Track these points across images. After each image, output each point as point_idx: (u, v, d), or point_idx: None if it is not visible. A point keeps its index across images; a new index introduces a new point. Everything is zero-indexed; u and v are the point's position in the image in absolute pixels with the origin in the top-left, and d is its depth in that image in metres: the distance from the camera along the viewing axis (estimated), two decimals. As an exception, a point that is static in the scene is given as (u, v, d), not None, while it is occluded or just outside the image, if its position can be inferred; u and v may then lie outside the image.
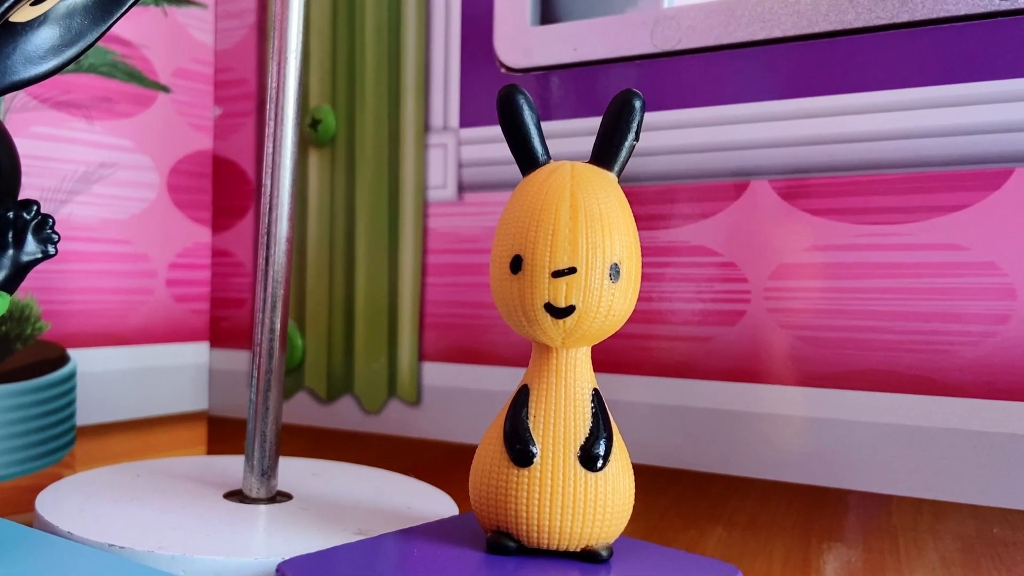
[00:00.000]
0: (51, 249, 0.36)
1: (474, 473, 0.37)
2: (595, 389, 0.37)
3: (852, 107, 0.49)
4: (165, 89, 0.67)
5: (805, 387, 0.49)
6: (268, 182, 0.46)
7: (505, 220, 0.36)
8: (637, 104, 0.36)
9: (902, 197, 0.47)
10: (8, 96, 0.58)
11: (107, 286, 0.64)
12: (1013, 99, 0.45)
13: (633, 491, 0.37)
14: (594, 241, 0.34)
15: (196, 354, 0.70)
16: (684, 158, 0.53)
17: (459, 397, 0.60)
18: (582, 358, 0.37)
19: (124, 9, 0.35)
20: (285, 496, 0.47)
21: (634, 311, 0.37)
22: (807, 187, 0.50)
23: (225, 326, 0.71)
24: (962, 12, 0.46)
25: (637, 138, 0.36)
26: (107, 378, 0.64)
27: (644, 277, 0.37)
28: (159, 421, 0.68)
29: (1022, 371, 0.45)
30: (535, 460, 0.35)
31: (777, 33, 0.51)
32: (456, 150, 0.61)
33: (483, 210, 0.59)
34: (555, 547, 0.36)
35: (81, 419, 0.62)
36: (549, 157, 0.37)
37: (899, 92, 0.48)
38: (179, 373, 0.69)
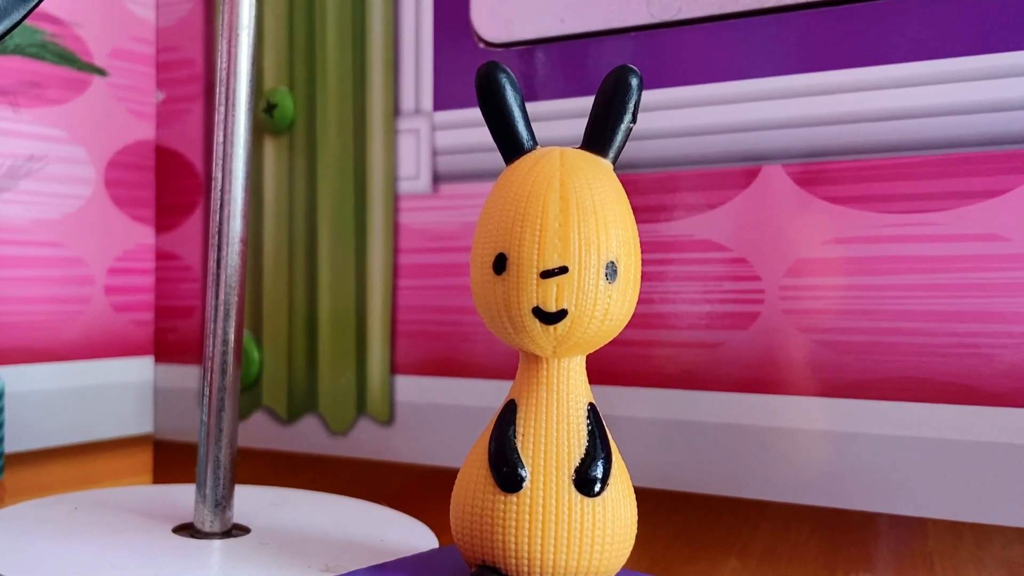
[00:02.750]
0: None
1: (455, 500, 0.37)
2: (591, 403, 0.36)
3: (875, 81, 0.49)
4: (101, 72, 0.67)
5: (827, 398, 0.49)
6: (219, 175, 0.46)
7: (487, 214, 0.36)
8: (634, 82, 0.36)
9: (933, 182, 0.47)
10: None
11: (38, 295, 0.64)
12: (1055, 71, 0.46)
13: (635, 518, 0.37)
14: (587, 237, 0.34)
15: (139, 370, 0.70)
16: (687, 141, 0.53)
17: (437, 415, 0.60)
18: (576, 369, 0.36)
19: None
20: (242, 530, 0.47)
21: (633, 315, 0.36)
22: (826, 172, 0.50)
23: (172, 338, 0.71)
24: (997, -26, 0.46)
25: (634, 120, 0.36)
26: (39, 399, 0.63)
27: (644, 276, 0.37)
28: (98, 447, 0.67)
29: (1069, 376, 0.45)
30: (524, 485, 0.35)
31: (790, 0, 0.51)
32: (430, 136, 0.60)
33: (461, 203, 0.59)
34: (548, 583, 0.36)
35: (10, 445, 0.62)
36: (535, 143, 0.37)
37: (928, 64, 0.48)
38: (120, 392, 0.69)
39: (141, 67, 0.70)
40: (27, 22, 0.61)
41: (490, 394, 0.58)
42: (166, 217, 0.71)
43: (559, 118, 0.56)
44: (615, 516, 0.36)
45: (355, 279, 0.63)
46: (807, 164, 0.50)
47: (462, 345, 0.59)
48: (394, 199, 0.62)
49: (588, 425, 0.36)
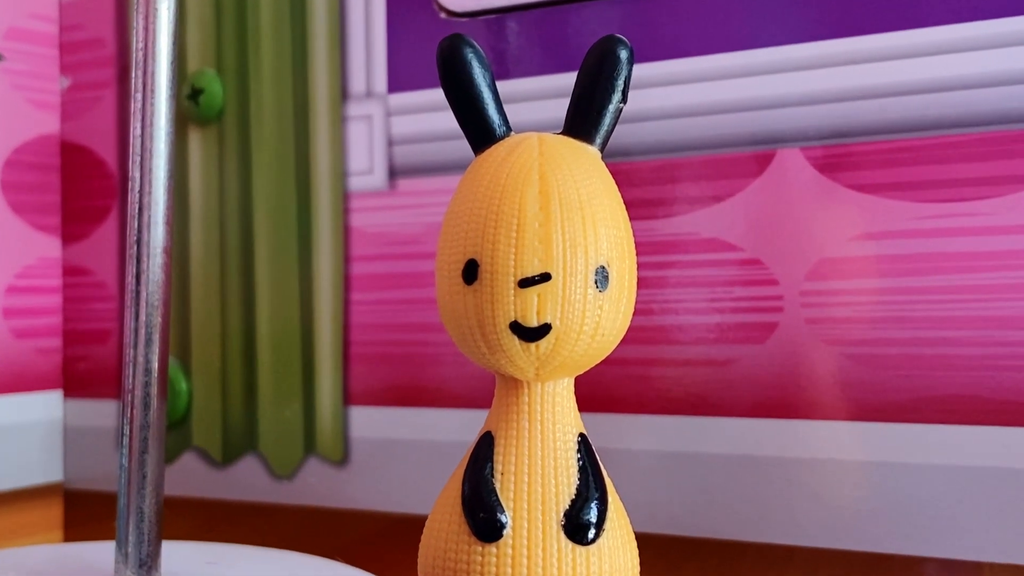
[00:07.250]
0: None
1: (424, 553, 0.37)
2: (581, 434, 0.36)
3: (909, 48, 0.49)
4: (-7, 54, 0.67)
5: (860, 422, 0.49)
6: (136, 174, 0.46)
7: (454, 214, 0.36)
8: (623, 54, 0.36)
9: (980, 165, 0.48)
10: None
11: (-77, 321, 0.63)
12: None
13: (637, 569, 0.37)
14: (573, 238, 0.34)
15: (46, 407, 0.70)
16: (688, 123, 0.53)
17: (399, 452, 0.60)
18: (562, 394, 0.36)
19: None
20: (171, 594, 0.47)
21: (629, 329, 0.36)
22: (852, 156, 0.50)
23: (83, 368, 0.70)
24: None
25: (624, 99, 0.36)
26: (-74, 444, 0.63)
27: (641, 283, 0.37)
28: (-1, 499, 0.67)
29: None
30: (505, 532, 0.35)
31: (805, -46, 0.51)
32: (384, 123, 0.60)
33: (423, 201, 0.59)
34: (536, 649, 0.36)
35: None
36: (509, 128, 0.37)
37: (972, 26, 0.48)
38: (23, 434, 0.68)
39: (42, 49, 0.70)
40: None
41: (462, 426, 0.58)
42: (74, 225, 0.71)
43: (536, 99, 0.56)
44: (612, 567, 0.36)
45: (299, 294, 0.63)
46: (830, 146, 0.50)
47: (428, 369, 0.59)
48: (344, 198, 0.61)
49: (579, 460, 0.36)
